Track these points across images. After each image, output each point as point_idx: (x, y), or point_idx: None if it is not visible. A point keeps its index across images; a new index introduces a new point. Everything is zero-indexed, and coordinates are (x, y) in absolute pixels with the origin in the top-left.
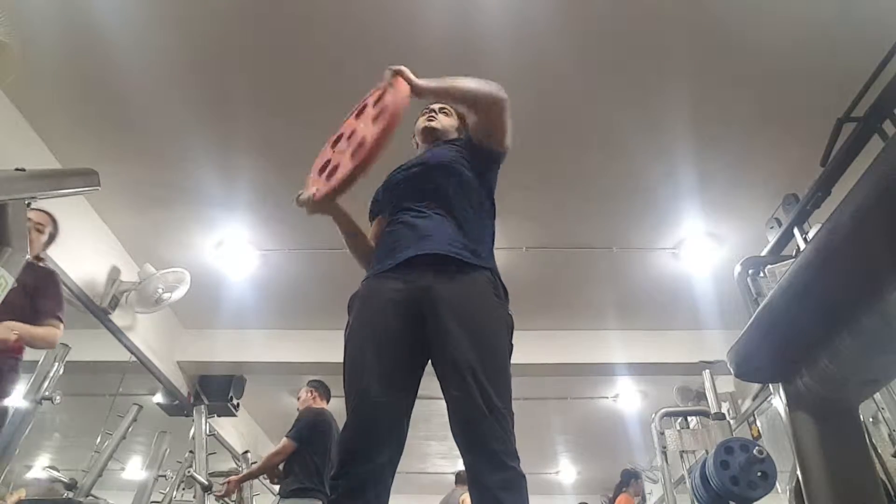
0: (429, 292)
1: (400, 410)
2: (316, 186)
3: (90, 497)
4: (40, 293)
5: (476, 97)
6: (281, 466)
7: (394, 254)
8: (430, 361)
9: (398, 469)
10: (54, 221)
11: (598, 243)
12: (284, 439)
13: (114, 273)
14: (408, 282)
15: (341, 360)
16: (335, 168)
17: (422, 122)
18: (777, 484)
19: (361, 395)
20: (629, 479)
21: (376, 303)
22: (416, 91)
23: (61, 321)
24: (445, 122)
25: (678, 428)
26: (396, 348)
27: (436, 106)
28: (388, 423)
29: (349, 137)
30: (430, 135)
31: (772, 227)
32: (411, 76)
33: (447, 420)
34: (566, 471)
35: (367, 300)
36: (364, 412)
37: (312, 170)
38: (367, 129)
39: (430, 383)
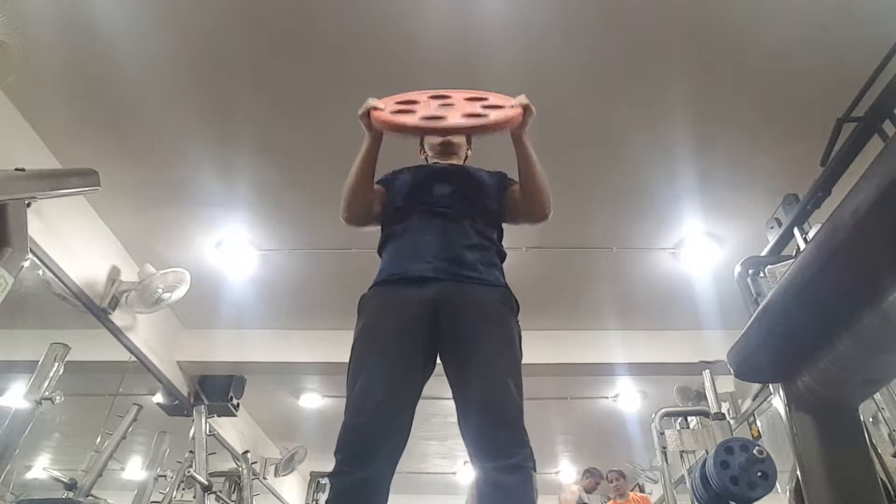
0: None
1: (404, 410)
2: (389, 108)
3: (90, 497)
4: None
5: (543, 191)
6: None
7: (416, 262)
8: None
9: (398, 469)
10: None
11: (598, 243)
12: None
13: (114, 273)
14: (425, 289)
15: (341, 361)
16: (437, 117)
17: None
18: (777, 484)
19: (365, 395)
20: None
21: (393, 305)
22: (516, 131)
23: None
24: (461, 139)
25: (678, 428)
26: (406, 349)
27: None
28: (391, 423)
29: (453, 104)
30: (448, 148)
31: (772, 227)
32: (527, 120)
33: (447, 420)
34: (566, 471)
35: (382, 302)
36: (370, 412)
37: (389, 99)
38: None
39: (429, 383)
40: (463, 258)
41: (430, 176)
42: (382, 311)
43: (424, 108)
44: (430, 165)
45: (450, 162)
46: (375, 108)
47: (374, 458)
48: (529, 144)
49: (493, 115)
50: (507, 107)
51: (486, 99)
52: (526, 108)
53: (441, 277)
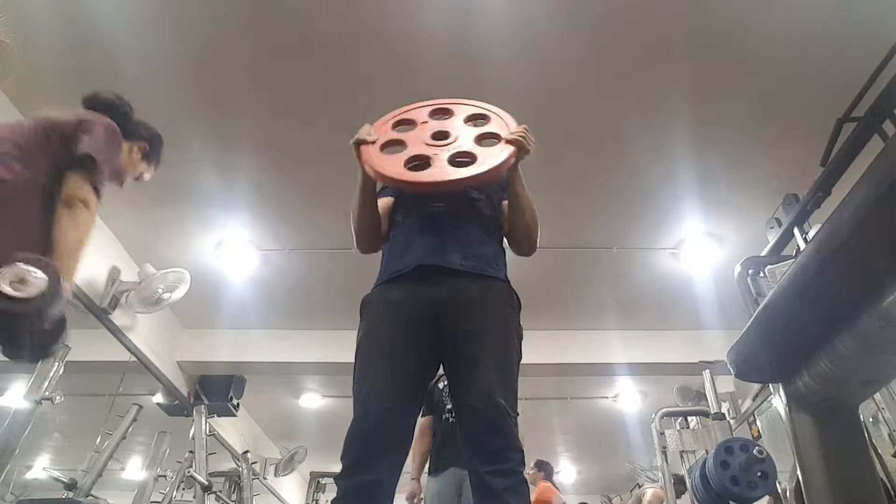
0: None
1: (408, 416)
2: (379, 137)
3: (90, 497)
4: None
5: (531, 230)
6: None
7: (414, 257)
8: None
9: (404, 470)
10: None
11: (598, 243)
12: None
13: (114, 273)
14: (424, 289)
15: (341, 361)
16: (423, 158)
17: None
18: (777, 484)
19: (371, 400)
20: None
21: (395, 305)
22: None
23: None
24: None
25: (678, 428)
26: (409, 354)
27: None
28: (396, 429)
29: (452, 141)
30: None
31: (772, 227)
32: (521, 157)
33: None
34: (566, 471)
35: (384, 301)
36: (375, 419)
37: (386, 121)
38: (487, 155)
39: None
40: (464, 249)
41: None
42: (385, 312)
43: (418, 135)
44: None
45: None
46: (365, 142)
47: (381, 462)
48: (521, 181)
49: (478, 169)
50: (502, 140)
51: (486, 120)
52: (521, 147)
53: (441, 267)
